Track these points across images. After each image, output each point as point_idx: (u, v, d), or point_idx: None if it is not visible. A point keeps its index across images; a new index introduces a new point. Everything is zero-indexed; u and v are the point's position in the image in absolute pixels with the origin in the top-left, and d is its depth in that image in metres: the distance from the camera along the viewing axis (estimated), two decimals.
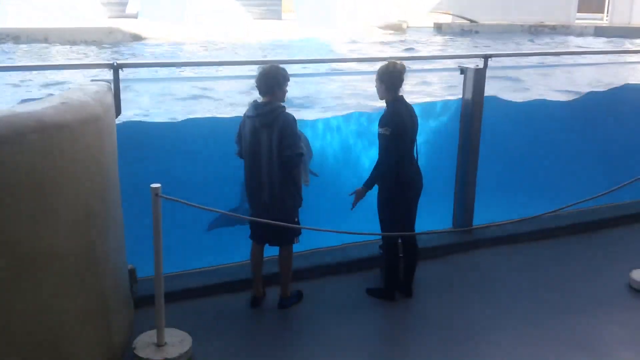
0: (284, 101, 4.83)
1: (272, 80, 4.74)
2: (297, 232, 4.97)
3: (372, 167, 5.02)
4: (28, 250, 3.31)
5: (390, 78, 4.91)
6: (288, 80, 4.83)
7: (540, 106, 8.22)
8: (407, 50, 19.20)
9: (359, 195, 5.00)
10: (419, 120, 5.11)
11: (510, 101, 8.25)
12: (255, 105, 4.77)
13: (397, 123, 4.87)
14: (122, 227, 4.43)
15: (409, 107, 5.00)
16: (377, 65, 5.06)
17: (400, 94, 4.98)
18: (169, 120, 7.20)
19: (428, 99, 8.17)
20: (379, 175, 4.98)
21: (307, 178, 5.12)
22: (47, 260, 3.41)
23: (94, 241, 3.79)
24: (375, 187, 5.04)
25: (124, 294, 4.44)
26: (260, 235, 4.97)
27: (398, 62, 4.99)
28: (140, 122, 6.47)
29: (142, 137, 5.89)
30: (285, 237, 4.94)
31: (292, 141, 4.70)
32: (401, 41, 21.45)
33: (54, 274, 3.47)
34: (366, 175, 5.04)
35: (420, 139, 5.15)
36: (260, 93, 4.80)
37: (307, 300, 5.13)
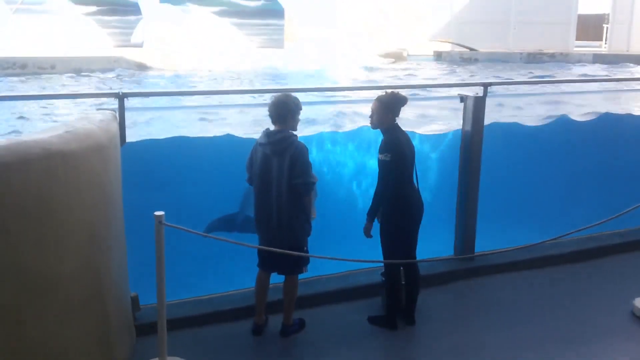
0: (295, 130, 4.88)
1: (285, 109, 4.78)
2: (305, 261, 4.94)
3: (380, 192, 5.05)
4: (33, 276, 3.33)
5: (391, 103, 4.97)
6: (300, 109, 4.87)
7: (542, 130, 8.25)
8: (407, 76, 19.35)
9: (368, 230, 5.03)
10: (418, 148, 5.15)
11: (513, 123, 8.29)
12: (267, 133, 4.80)
13: (397, 149, 4.91)
14: (125, 254, 4.45)
15: (405, 134, 5.05)
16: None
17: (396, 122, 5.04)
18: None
19: (430, 129, 8.22)
20: (379, 202, 5.00)
21: (315, 211, 5.16)
22: (52, 286, 3.43)
23: (98, 268, 3.81)
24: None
25: (126, 321, 4.44)
26: (268, 263, 4.97)
27: (400, 92, 5.07)
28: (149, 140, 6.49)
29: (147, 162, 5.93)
30: (294, 266, 4.92)
31: (304, 169, 4.73)
32: (402, 69, 21.62)
33: (59, 299, 3.49)
34: (369, 201, 5.07)
35: (421, 166, 5.18)
36: (272, 121, 4.84)
37: (309, 328, 5.12)
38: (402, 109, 5.05)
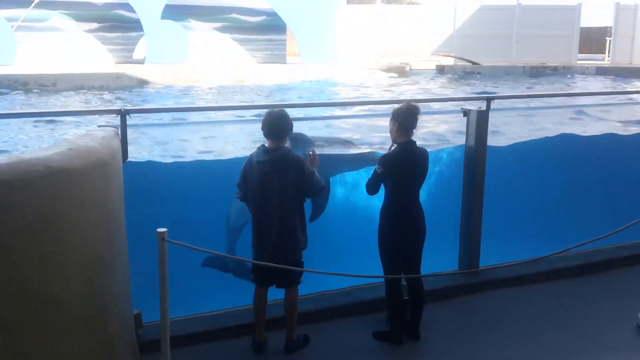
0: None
1: (286, 124, 4.79)
2: (301, 272, 4.95)
3: (381, 207, 5.08)
4: (35, 295, 3.31)
5: (404, 117, 4.94)
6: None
7: (546, 144, 8.24)
8: (410, 90, 19.35)
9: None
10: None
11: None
12: (265, 149, 4.78)
13: (394, 166, 4.91)
14: (128, 271, 4.43)
15: (416, 152, 5.01)
16: (380, 107, 5.13)
17: (414, 139, 5.01)
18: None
19: (433, 142, 8.22)
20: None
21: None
22: (54, 305, 3.41)
23: (101, 285, 3.79)
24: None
25: (129, 339, 4.41)
26: (266, 278, 4.95)
27: (413, 103, 5.03)
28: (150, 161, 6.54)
29: (150, 179, 5.94)
30: (293, 278, 4.92)
31: (312, 180, 4.79)
32: (405, 83, 21.65)
33: (61, 318, 3.46)
34: (375, 216, 5.08)
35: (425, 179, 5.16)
36: (269, 136, 4.79)
37: (313, 344, 5.08)
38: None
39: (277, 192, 4.72)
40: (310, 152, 5.04)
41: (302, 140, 6.45)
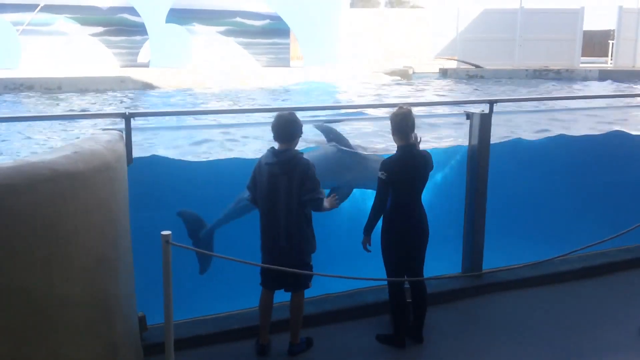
0: (295, 147, 4.89)
1: (295, 127, 4.79)
2: (310, 275, 4.95)
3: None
4: (40, 298, 3.33)
5: (398, 122, 4.95)
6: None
7: (552, 144, 8.23)
8: (413, 94, 19.38)
9: (364, 244, 5.08)
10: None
11: (520, 139, 8.29)
12: (273, 152, 4.80)
13: (395, 169, 4.91)
14: (132, 274, 4.44)
15: (417, 156, 5.01)
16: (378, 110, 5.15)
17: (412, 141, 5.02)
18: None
19: (435, 144, 8.23)
20: (373, 217, 5.05)
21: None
22: (59, 308, 3.43)
23: (105, 288, 3.81)
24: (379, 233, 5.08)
25: (133, 342, 4.43)
26: (274, 281, 4.96)
27: (404, 106, 5.04)
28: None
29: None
30: (301, 281, 4.92)
31: (313, 186, 4.76)
32: (408, 85, 21.67)
33: (66, 321, 3.48)
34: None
35: (428, 182, 5.17)
36: (278, 139, 4.81)
37: (316, 347, 5.08)
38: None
39: (285, 195, 4.73)
40: (334, 195, 5.14)
41: (332, 133, 6.48)
